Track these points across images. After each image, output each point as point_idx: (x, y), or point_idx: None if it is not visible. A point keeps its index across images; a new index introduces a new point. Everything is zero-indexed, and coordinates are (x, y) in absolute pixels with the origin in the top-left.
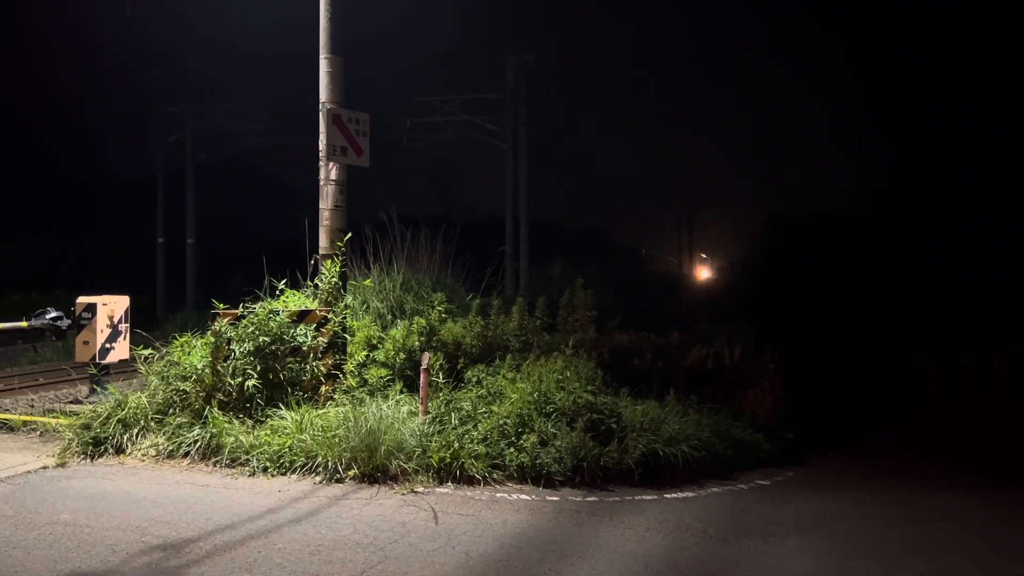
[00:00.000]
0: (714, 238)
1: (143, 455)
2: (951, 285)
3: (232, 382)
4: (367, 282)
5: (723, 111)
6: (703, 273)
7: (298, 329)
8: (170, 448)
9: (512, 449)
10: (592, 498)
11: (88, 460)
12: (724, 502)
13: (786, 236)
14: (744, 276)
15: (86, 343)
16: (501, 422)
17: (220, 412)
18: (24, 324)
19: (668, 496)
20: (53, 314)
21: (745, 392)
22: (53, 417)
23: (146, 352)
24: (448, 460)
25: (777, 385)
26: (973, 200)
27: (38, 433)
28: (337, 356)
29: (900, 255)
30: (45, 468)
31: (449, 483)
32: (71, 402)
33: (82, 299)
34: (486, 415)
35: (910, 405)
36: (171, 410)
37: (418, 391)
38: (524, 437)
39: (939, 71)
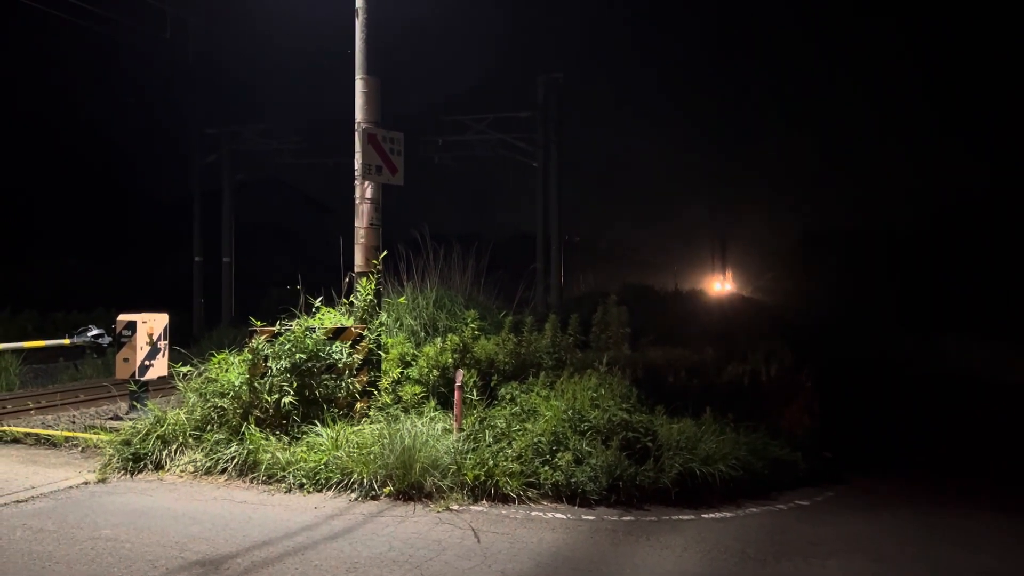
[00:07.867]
0: (748, 254)
1: (181, 471)
2: (997, 301)
3: (269, 399)
4: (401, 299)
5: (757, 126)
6: (737, 289)
7: (334, 346)
8: (208, 464)
9: (547, 467)
10: (628, 517)
11: (128, 476)
12: (763, 522)
13: (821, 252)
14: (779, 292)
15: (126, 360)
16: (535, 440)
17: (257, 429)
18: (66, 342)
19: (705, 516)
20: (95, 332)
21: (782, 410)
22: (94, 433)
23: (184, 369)
24: (483, 478)
25: (815, 403)
26: (1014, 214)
27: (79, 449)
28: (372, 373)
29: (940, 271)
30: (86, 483)
31: (484, 501)
32: (111, 418)
33: (123, 317)
34: (520, 432)
35: (952, 423)
36: (209, 427)
37: (452, 408)
38: (559, 455)
39: (974, 90)
